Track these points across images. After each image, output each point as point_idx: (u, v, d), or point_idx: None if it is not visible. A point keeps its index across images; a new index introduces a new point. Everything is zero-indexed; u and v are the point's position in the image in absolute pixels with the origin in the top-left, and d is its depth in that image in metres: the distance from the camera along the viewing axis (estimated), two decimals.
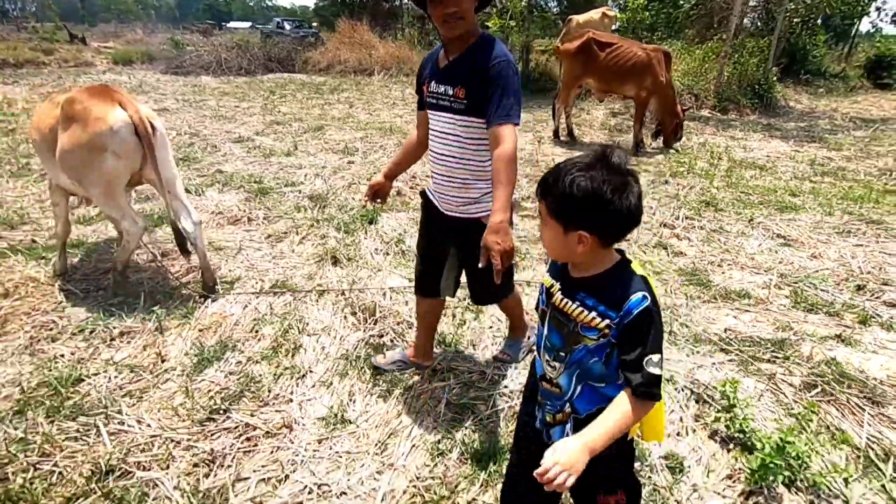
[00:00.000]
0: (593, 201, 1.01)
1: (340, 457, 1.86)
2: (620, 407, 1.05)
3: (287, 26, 23.42)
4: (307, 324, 2.69)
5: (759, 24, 13.44)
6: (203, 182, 5.12)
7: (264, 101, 10.67)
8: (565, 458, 0.98)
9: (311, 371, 2.32)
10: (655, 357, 1.03)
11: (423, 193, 2.08)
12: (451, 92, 1.77)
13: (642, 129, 6.66)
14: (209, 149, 6.53)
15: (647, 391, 1.03)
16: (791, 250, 3.75)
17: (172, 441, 1.88)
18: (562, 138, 7.20)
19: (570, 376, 1.16)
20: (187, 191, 4.77)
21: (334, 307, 2.88)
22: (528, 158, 6.12)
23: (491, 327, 2.75)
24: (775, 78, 10.47)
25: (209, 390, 2.19)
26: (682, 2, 15.15)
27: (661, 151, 6.70)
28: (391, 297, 3.01)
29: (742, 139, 7.57)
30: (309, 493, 1.72)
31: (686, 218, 4.30)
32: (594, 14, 12.89)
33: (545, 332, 1.20)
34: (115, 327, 2.61)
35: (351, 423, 2.03)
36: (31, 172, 5.39)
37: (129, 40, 27.86)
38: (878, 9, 18.60)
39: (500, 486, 1.65)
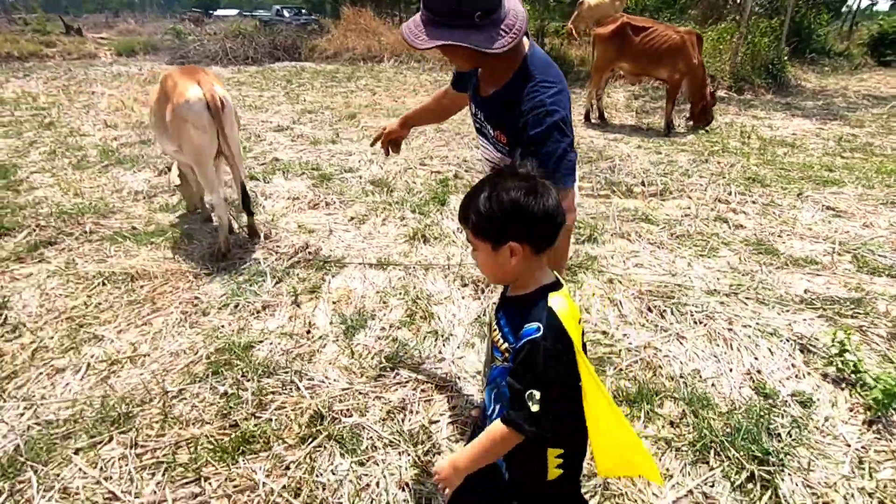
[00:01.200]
0: (513, 210, 1.02)
1: None
2: (490, 432, 1.05)
3: (286, 14, 23.26)
4: (430, 295, 2.93)
5: (766, 4, 13.62)
6: (265, 170, 5.30)
7: (284, 90, 10.76)
8: (437, 469, 1.11)
9: (452, 334, 2.56)
10: (537, 394, 0.98)
11: None
12: (492, 132, 1.50)
13: (673, 110, 6.89)
14: (253, 138, 6.68)
15: (514, 422, 1.00)
16: (843, 220, 4.04)
17: (360, 393, 2.13)
18: (593, 120, 7.41)
19: (489, 394, 1.17)
20: (254, 178, 4.99)
21: (446, 280, 3.12)
22: None
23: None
24: (786, 58, 10.71)
25: (368, 353, 2.43)
26: None
27: (692, 132, 6.95)
28: None
29: (765, 118, 7.84)
30: None
31: (738, 193, 4.56)
32: None
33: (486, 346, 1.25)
34: (253, 302, 2.84)
35: None
36: (91, 163, 5.54)
37: (121, 31, 27.53)
38: None
39: None
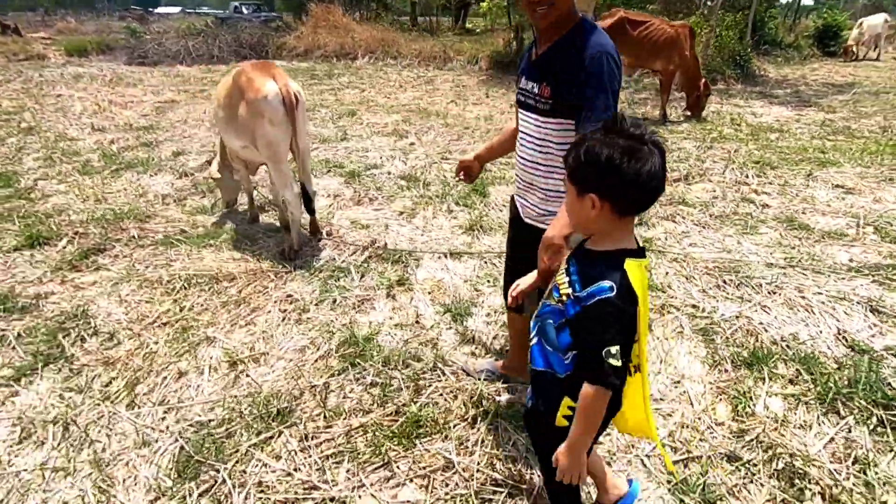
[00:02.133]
0: (604, 165, 1.01)
1: None
2: (582, 401, 1.09)
3: (245, 10, 22.54)
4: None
5: None
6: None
7: None
8: (561, 468, 1.15)
9: None
10: (614, 349, 1.03)
11: (512, 198, 1.88)
12: (536, 90, 1.57)
13: (668, 100, 7.25)
14: None
15: (601, 380, 1.04)
16: (854, 196, 4.41)
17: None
18: None
19: (535, 325, 1.24)
20: None
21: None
22: None
23: None
24: (749, 49, 11.38)
25: (486, 337, 2.51)
26: None
27: (686, 120, 7.33)
28: None
29: (746, 106, 8.35)
30: None
31: (754, 176, 4.89)
32: None
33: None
34: (347, 296, 2.86)
35: None
36: (97, 168, 5.29)
37: (61, 29, 25.98)
38: None
39: None
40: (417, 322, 2.64)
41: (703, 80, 7.03)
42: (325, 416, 1.98)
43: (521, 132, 1.70)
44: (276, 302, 2.79)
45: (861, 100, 8.80)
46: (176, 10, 51.15)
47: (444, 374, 2.20)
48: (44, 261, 3.41)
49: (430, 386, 2.11)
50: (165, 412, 2.06)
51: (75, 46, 17.49)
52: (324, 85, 11.01)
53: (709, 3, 12.06)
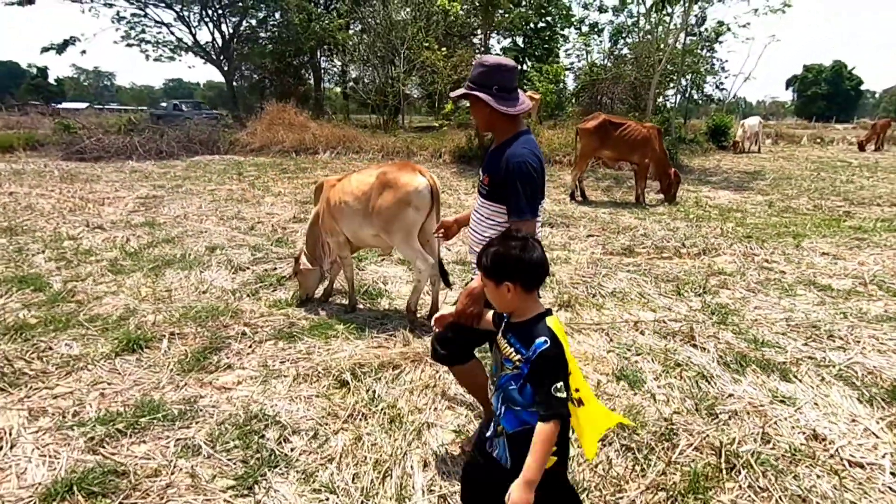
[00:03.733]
0: (511, 260, 1.42)
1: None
2: (538, 437, 1.33)
3: (185, 108, 22.51)
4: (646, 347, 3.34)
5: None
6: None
7: (244, 183, 10.46)
8: (515, 499, 1.32)
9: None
10: (560, 384, 1.34)
11: None
12: (482, 177, 2.03)
13: (643, 187, 8.35)
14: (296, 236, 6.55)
15: (554, 413, 1.33)
16: (841, 262, 5.35)
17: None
18: (577, 199, 8.58)
19: (498, 398, 1.49)
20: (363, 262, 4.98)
21: (649, 332, 3.56)
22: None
23: None
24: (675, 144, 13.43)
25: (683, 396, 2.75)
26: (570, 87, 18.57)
27: (660, 204, 8.43)
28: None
29: (696, 191, 9.76)
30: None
31: (754, 249, 5.76)
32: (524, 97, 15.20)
33: (492, 362, 1.58)
34: None
35: None
36: (128, 267, 5.00)
37: None
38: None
39: None
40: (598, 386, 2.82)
41: (673, 170, 8.25)
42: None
43: (474, 208, 2.17)
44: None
45: (780, 184, 10.66)
46: (82, 105, 49.44)
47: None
48: (155, 364, 3.17)
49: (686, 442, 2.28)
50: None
51: (2, 142, 16.28)
52: (304, 177, 11.19)
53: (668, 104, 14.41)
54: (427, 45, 16.38)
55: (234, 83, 24.60)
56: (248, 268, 5.01)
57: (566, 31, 28.17)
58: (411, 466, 2.22)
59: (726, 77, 23.52)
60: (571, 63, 25.77)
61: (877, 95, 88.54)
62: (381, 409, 2.63)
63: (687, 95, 21.32)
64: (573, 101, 19.70)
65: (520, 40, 29.12)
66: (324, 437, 2.43)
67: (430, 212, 3.54)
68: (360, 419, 2.56)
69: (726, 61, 22.50)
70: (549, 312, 1.44)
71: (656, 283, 4.66)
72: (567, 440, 1.46)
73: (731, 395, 2.80)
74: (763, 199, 9.06)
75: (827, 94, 61.68)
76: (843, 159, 16.56)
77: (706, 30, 20.80)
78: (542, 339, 1.36)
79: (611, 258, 5.52)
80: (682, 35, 15.48)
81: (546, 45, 28.72)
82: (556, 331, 1.38)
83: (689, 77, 19.62)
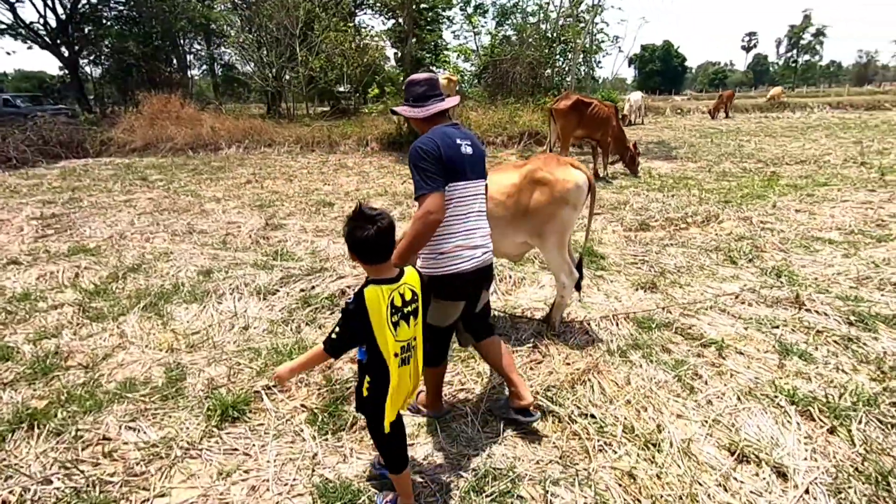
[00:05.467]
0: (346, 238, 1.70)
1: None
2: (311, 351, 1.75)
3: (20, 103, 18.31)
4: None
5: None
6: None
7: (158, 190, 8.85)
8: (277, 372, 1.77)
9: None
10: (337, 329, 1.68)
11: None
12: None
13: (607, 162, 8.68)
14: (304, 244, 5.63)
15: (324, 343, 1.70)
16: (819, 217, 6.03)
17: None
18: None
19: None
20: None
21: (754, 303, 3.63)
22: None
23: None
24: None
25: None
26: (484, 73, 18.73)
27: (618, 176, 8.82)
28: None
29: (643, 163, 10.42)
30: None
31: (739, 209, 6.26)
32: (441, 79, 14.92)
33: None
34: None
35: None
36: (112, 310, 3.91)
37: None
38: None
39: None
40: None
41: (633, 143, 8.67)
42: None
43: None
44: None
45: (693, 152, 11.82)
46: None
47: None
48: (284, 433, 2.45)
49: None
50: None
51: None
52: (224, 179, 9.75)
53: (566, 82, 14.90)
54: (330, 25, 15.20)
55: (82, 71, 20.57)
56: (277, 290, 4.16)
57: (450, 13, 28.20)
58: None
59: (605, 55, 25.49)
60: (459, 44, 25.95)
61: (693, 70, 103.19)
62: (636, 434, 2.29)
63: (581, 74, 22.66)
64: (475, 81, 19.86)
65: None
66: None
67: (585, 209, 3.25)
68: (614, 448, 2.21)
69: (618, 37, 24.25)
70: (389, 281, 1.71)
71: (706, 254, 4.82)
72: (380, 384, 1.74)
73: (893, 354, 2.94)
74: (695, 165, 9.97)
75: (661, 71, 70.59)
76: (711, 126, 18.97)
77: (584, 11, 22.30)
78: (352, 297, 1.68)
79: (637, 234, 5.61)
80: (590, 17, 16.27)
81: (430, 27, 28.55)
82: (368, 297, 1.65)
83: (580, 56, 20.82)
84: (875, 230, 5.42)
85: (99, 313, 3.85)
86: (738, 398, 2.56)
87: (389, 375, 1.71)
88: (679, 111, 26.23)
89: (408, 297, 1.74)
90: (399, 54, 19.82)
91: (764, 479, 2.07)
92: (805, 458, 2.15)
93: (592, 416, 2.44)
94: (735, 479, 2.07)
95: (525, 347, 3.18)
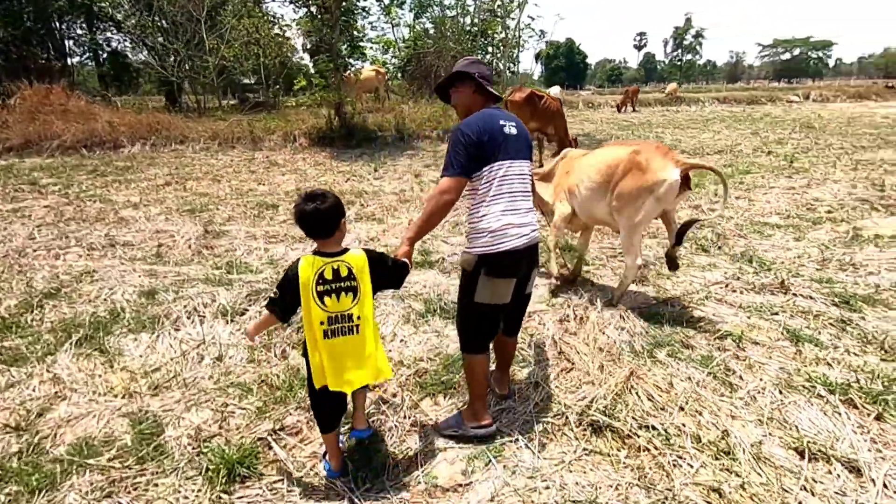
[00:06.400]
0: (293, 212, 1.89)
1: None
2: (264, 312, 2.03)
3: None
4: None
5: None
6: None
7: (55, 196, 7.58)
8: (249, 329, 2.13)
9: None
10: (274, 291, 1.92)
11: None
12: None
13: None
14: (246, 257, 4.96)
15: (266, 303, 1.98)
16: (754, 202, 6.47)
17: None
18: None
19: None
20: None
21: (741, 290, 3.72)
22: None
23: None
24: None
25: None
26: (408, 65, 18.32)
27: None
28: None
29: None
30: None
31: (687, 198, 6.56)
32: (369, 71, 14.36)
33: None
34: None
35: None
36: (54, 346, 3.20)
37: None
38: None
39: None
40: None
41: (574, 137, 8.80)
42: None
43: None
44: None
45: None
46: None
47: None
48: (309, 489, 2.05)
49: None
50: None
51: None
52: (136, 182, 8.57)
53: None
54: (242, 11, 14.00)
55: None
56: (245, 309, 3.60)
57: (365, 3, 27.38)
58: None
59: (523, 51, 26.03)
60: (377, 36, 25.30)
61: (592, 67, 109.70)
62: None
63: (500, 68, 22.96)
64: (398, 74, 19.42)
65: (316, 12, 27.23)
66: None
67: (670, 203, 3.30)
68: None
69: (544, 32, 24.83)
70: (328, 255, 1.85)
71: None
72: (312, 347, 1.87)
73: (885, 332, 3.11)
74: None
75: (565, 67, 74.21)
76: (624, 119, 20.11)
77: (499, 7, 22.62)
78: (291, 264, 1.88)
79: (603, 226, 5.64)
80: (507, 12, 16.43)
81: (345, 18, 27.52)
82: (301, 263, 1.82)
83: (500, 50, 21.08)
84: (808, 213, 5.90)
85: (17, 354, 3.08)
86: (780, 391, 2.55)
87: (315, 340, 1.84)
88: (591, 105, 27.58)
89: (343, 273, 1.85)
90: (309, 45, 18.86)
91: (839, 476, 2.03)
92: (869, 450, 2.14)
93: (654, 427, 2.28)
94: (814, 480, 2.01)
95: (548, 353, 2.98)
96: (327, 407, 2.02)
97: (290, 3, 19.59)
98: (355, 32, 23.96)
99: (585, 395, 2.53)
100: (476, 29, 19.59)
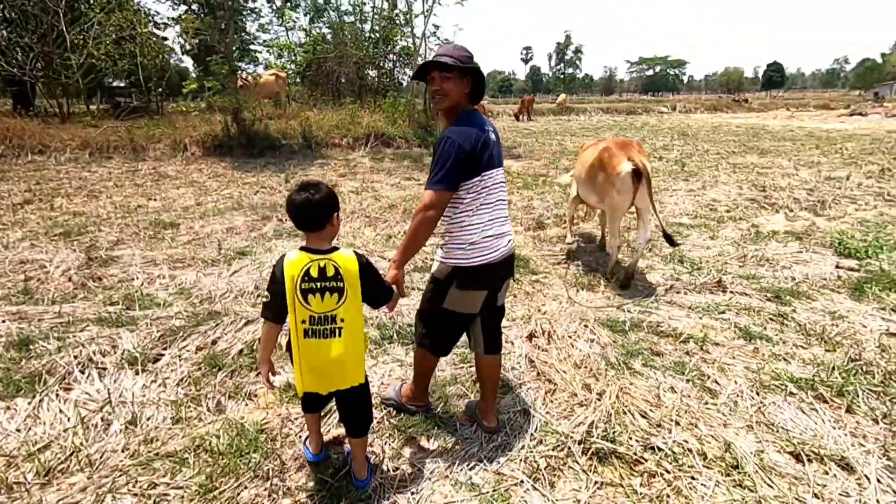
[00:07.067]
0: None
1: None
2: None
3: None
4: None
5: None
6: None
7: None
8: None
9: None
10: (266, 294, 1.78)
11: None
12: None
13: None
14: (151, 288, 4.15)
15: (262, 308, 1.81)
16: (665, 205, 6.91)
17: None
18: None
19: None
20: None
21: (685, 291, 3.84)
22: None
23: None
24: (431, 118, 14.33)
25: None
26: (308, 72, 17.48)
27: None
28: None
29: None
30: None
31: None
32: (269, 76, 13.43)
33: None
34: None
35: None
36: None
37: None
38: None
39: None
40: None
41: None
42: None
43: None
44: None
45: (531, 150, 12.75)
46: None
47: None
48: None
49: None
50: None
51: None
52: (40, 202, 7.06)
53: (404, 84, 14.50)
54: (112, 4, 12.36)
55: None
56: (160, 355, 2.96)
57: (255, 4, 25.78)
58: None
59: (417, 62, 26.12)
60: (266, 40, 23.94)
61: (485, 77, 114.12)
62: None
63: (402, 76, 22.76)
64: (298, 80, 18.47)
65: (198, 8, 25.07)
66: None
67: (635, 193, 3.83)
68: None
69: (447, 40, 25.03)
70: (314, 251, 1.75)
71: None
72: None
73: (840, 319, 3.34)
74: (539, 163, 10.71)
75: None
76: (524, 128, 20.98)
77: (397, 14, 22.50)
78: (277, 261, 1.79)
79: (537, 233, 5.64)
80: (405, 19, 16.32)
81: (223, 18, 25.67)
82: (287, 262, 1.73)
83: (399, 57, 20.91)
84: (711, 213, 6.40)
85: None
86: (756, 392, 2.58)
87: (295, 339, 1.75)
88: (490, 114, 28.48)
89: (329, 272, 1.74)
90: (189, 47, 17.23)
91: (835, 476, 2.05)
92: (853, 445, 2.21)
93: (658, 448, 2.16)
94: (819, 484, 2.01)
95: (526, 374, 2.78)
96: (309, 404, 2.01)
97: None
98: (244, 35, 22.46)
99: (580, 419, 2.35)
100: (377, 35, 19.27)
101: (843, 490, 1.98)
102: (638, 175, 3.75)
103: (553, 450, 2.19)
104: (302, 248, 1.77)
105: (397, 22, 21.17)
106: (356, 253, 1.82)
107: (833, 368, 2.75)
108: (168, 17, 23.02)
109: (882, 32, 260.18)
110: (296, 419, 2.44)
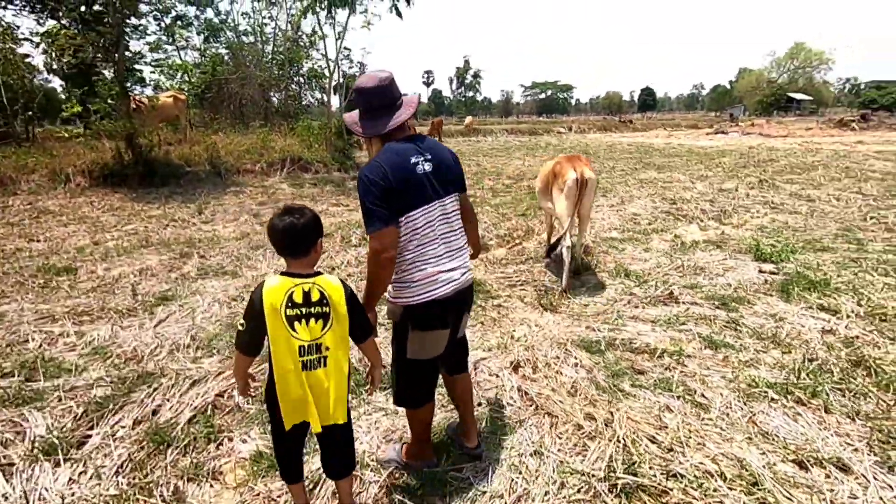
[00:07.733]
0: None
1: None
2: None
3: None
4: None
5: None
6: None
7: None
8: None
9: None
10: (241, 322, 1.64)
11: None
12: None
13: None
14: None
15: (236, 337, 1.69)
16: (594, 221, 7.22)
17: None
18: None
19: None
20: None
21: (644, 304, 3.96)
22: None
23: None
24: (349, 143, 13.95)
25: None
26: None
27: None
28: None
29: None
30: None
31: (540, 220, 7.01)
32: (167, 98, 12.34)
33: None
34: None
35: None
36: None
37: None
38: None
39: None
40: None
41: None
42: None
43: None
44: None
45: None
46: None
47: None
48: None
49: None
50: None
51: None
52: None
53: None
54: None
55: None
56: (86, 437, 2.41)
57: (139, 21, 23.76)
58: None
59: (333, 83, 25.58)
60: (158, 60, 22.16)
61: None
62: None
63: (310, 98, 22.04)
64: (197, 102, 17.17)
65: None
66: None
67: (578, 199, 4.40)
68: None
69: (363, 64, 24.75)
70: (296, 276, 1.64)
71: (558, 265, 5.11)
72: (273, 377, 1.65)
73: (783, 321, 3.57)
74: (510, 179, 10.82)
75: None
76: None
77: (301, 36, 21.92)
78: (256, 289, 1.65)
79: (484, 255, 5.59)
80: (337, 43, 15.87)
81: (111, 35, 23.40)
82: (265, 291, 1.60)
83: (306, 80, 20.30)
84: (636, 227, 6.79)
85: None
86: (743, 402, 2.66)
87: (288, 371, 1.62)
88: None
89: (314, 296, 1.64)
90: (54, 65, 15.36)
91: (837, 479, 2.13)
92: (841, 446, 2.32)
93: (680, 475, 2.11)
94: (829, 490, 2.07)
95: (524, 410, 2.63)
96: (293, 452, 1.83)
97: (32, 12, 15.83)
98: (127, 53, 20.53)
99: (596, 454, 2.25)
100: (282, 57, 18.57)
101: (852, 493, 2.06)
102: (581, 183, 4.37)
103: (579, 492, 2.05)
104: (283, 273, 1.66)
105: (301, 44, 20.61)
106: (341, 280, 1.73)
107: (798, 371, 2.93)
108: (32, 33, 20.49)
109: (728, 62, 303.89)
110: (279, 496, 2.08)
